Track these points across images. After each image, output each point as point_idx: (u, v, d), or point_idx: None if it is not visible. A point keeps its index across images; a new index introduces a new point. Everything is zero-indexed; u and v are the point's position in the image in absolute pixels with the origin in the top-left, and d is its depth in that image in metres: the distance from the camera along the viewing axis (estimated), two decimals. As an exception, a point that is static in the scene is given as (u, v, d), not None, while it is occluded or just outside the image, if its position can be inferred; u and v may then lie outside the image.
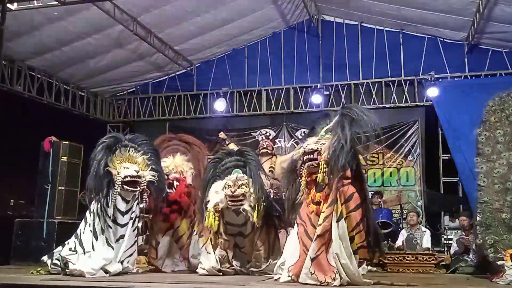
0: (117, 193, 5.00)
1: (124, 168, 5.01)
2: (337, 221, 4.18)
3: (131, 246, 5.17)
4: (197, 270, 5.22)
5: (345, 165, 4.17)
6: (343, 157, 4.11)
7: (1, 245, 6.53)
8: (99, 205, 4.98)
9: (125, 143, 5.24)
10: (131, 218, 5.13)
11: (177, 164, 5.66)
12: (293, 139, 10.66)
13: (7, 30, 6.43)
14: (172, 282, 4.43)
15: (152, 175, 5.14)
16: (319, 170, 4.24)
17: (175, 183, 5.55)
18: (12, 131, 9.07)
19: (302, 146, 4.45)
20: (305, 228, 4.36)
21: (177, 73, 11.55)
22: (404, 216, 8.91)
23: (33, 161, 7.13)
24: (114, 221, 5.03)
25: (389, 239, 8.17)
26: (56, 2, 7.45)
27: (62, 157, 6.91)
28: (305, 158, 4.36)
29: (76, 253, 4.98)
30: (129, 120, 11.86)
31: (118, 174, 4.99)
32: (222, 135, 6.82)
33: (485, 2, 8.01)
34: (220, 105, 10.89)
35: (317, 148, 4.30)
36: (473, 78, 9.85)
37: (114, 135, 5.41)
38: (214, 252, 5.07)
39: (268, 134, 10.52)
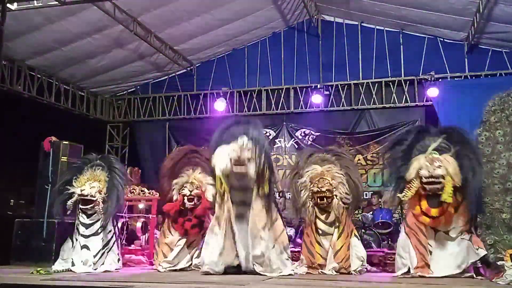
0: (78, 208, 5.53)
1: (88, 186, 5.50)
2: None
3: (103, 251, 5.51)
4: (198, 265, 5.24)
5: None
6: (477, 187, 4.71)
7: (1, 245, 6.50)
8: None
9: (97, 162, 5.76)
10: (97, 230, 5.49)
11: (197, 179, 5.70)
12: (293, 139, 10.66)
13: (7, 30, 6.43)
14: (172, 282, 4.42)
15: (102, 198, 5.52)
16: (445, 191, 4.71)
17: (196, 199, 5.63)
18: (12, 131, 9.06)
19: (423, 168, 4.82)
20: (417, 238, 4.86)
21: (177, 73, 11.56)
22: (404, 216, 8.87)
23: (33, 161, 7.11)
24: (80, 234, 5.51)
25: (389, 239, 8.18)
26: (56, 2, 7.46)
27: (62, 157, 6.87)
28: (429, 180, 4.78)
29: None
30: (129, 120, 11.89)
31: (75, 192, 5.52)
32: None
33: (485, 2, 8.02)
34: (220, 105, 10.90)
35: (443, 174, 4.75)
36: (473, 78, 9.86)
37: (86, 157, 5.96)
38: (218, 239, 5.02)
39: (268, 134, 10.53)
